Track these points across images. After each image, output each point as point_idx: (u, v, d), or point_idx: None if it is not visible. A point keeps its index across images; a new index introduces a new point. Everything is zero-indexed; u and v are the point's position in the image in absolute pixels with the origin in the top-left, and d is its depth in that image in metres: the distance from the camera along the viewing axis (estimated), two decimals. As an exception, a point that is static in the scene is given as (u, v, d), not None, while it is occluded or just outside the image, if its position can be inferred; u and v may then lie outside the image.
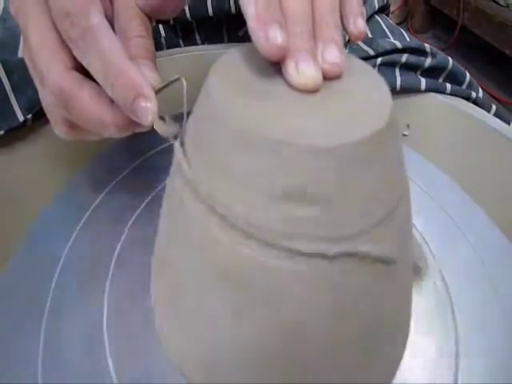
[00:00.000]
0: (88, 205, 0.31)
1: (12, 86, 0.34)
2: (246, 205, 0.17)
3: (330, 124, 0.17)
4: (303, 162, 0.16)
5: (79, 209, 0.31)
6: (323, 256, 0.17)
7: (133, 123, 0.23)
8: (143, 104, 0.21)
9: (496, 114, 0.43)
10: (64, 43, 0.23)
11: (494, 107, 0.44)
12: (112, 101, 0.23)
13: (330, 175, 0.17)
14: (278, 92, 0.19)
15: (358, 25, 0.23)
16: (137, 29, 0.25)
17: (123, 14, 0.25)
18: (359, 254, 0.17)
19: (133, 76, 0.21)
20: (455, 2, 1.59)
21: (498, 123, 0.38)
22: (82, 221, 0.30)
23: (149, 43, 0.25)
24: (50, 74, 0.22)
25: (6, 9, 0.40)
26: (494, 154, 0.38)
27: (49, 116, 0.26)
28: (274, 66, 0.20)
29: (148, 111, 0.21)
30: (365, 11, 0.47)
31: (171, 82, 0.23)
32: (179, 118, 0.22)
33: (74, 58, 0.23)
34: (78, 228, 0.29)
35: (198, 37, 0.50)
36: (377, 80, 0.21)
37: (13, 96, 0.34)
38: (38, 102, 0.35)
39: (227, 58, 0.21)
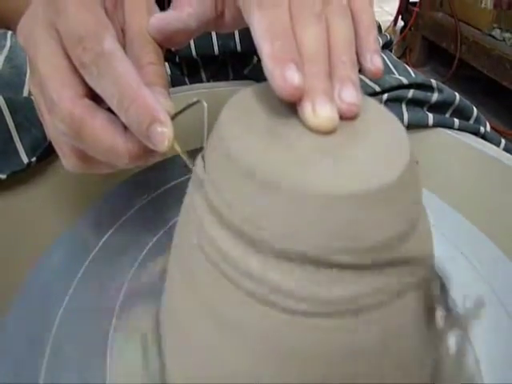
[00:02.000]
0: (91, 247, 0.30)
1: (16, 125, 0.34)
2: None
3: (360, 166, 0.17)
4: (343, 211, 0.16)
5: (81, 253, 0.29)
6: None
7: (147, 151, 0.22)
8: (159, 129, 0.20)
9: (505, 149, 0.43)
10: (75, 70, 0.22)
11: (503, 142, 0.44)
12: (125, 129, 0.22)
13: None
14: (294, 134, 0.18)
15: (376, 62, 0.22)
16: (149, 56, 0.24)
17: (136, 42, 0.25)
18: None
19: (148, 101, 0.21)
20: (452, 36, 1.63)
21: (510, 158, 0.37)
22: (85, 264, 0.28)
23: (161, 70, 0.25)
24: (61, 101, 0.22)
25: (12, 47, 0.40)
26: (505, 189, 0.37)
27: (57, 148, 0.25)
28: (289, 106, 0.19)
29: (164, 136, 0.20)
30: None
31: (189, 106, 0.22)
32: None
33: (86, 85, 0.22)
34: (79, 274, 0.28)
35: (203, 74, 0.51)
36: (390, 118, 0.21)
37: (17, 135, 0.34)
38: (41, 142, 0.34)
39: (240, 98, 0.20)
